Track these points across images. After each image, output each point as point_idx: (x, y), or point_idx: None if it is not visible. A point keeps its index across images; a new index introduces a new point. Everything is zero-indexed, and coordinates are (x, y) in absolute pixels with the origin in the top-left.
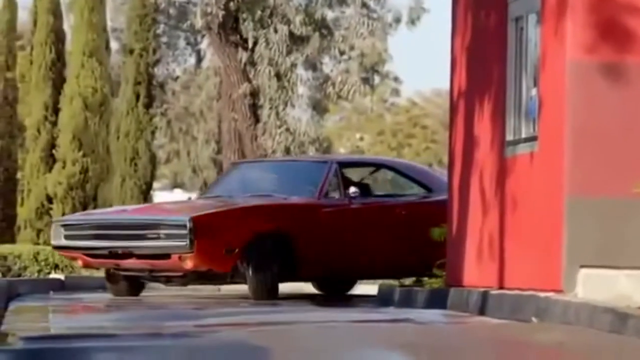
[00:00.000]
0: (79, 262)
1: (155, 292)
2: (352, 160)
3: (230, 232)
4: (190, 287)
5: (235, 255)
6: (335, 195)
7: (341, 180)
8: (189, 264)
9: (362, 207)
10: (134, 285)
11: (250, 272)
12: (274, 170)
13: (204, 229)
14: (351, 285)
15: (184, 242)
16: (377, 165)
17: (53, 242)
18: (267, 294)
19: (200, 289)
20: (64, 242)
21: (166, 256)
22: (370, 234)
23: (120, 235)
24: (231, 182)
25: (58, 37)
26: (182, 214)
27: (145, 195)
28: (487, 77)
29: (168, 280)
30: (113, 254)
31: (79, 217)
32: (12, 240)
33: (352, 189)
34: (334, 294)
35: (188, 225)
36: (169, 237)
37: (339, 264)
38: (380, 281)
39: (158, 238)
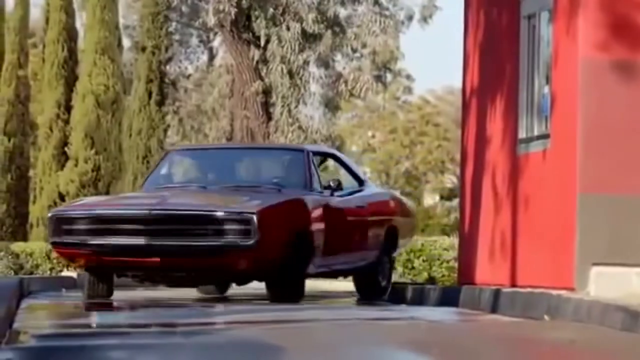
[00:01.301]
0: (80, 261)
1: (167, 291)
2: (318, 150)
3: (282, 227)
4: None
5: (282, 253)
6: (317, 187)
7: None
8: (243, 263)
9: (342, 201)
10: (111, 285)
11: (281, 271)
12: (242, 157)
13: (268, 224)
14: (226, 286)
15: (248, 239)
16: (327, 156)
17: (53, 238)
18: (296, 294)
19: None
20: (65, 238)
21: (214, 254)
22: (353, 229)
23: (153, 231)
24: (193, 170)
25: (70, 35)
26: (241, 207)
27: None
28: (499, 74)
29: (177, 281)
30: (141, 252)
31: (84, 209)
32: (24, 238)
33: (332, 182)
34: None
35: (254, 219)
36: (223, 232)
37: (338, 259)
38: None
39: (205, 234)
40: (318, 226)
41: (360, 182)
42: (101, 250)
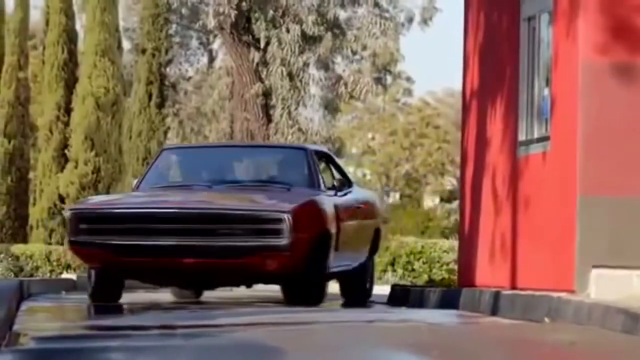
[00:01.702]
0: (98, 262)
1: (167, 293)
2: (316, 149)
3: (309, 227)
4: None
5: (309, 254)
6: (323, 187)
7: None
8: (273, 264)
9: (345, 201)
10: (121, 288)
11: (306, 272)
12: (240, 156)
13: (299, 224)
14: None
15: (281, 239)
16: (321, 156)
17: (72, 237)
18: (318, 296)
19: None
20: (87, 238)
21: (245, 254)
22: (355, 230)
23: (182, 230)
24: (192, 169)
25: (70, 37)
26: (271, 206)
27: None
28: (499, 77)
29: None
30: (168, 252)
31: (108, 207)
32: (24, 240)
33: (335, 181)
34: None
35: (288, 219)
36: (254, 232)
37: (344, 260)
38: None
39: (235, 234)
40: (333, 226)
41: (350, 183)
42: (129, 251)
